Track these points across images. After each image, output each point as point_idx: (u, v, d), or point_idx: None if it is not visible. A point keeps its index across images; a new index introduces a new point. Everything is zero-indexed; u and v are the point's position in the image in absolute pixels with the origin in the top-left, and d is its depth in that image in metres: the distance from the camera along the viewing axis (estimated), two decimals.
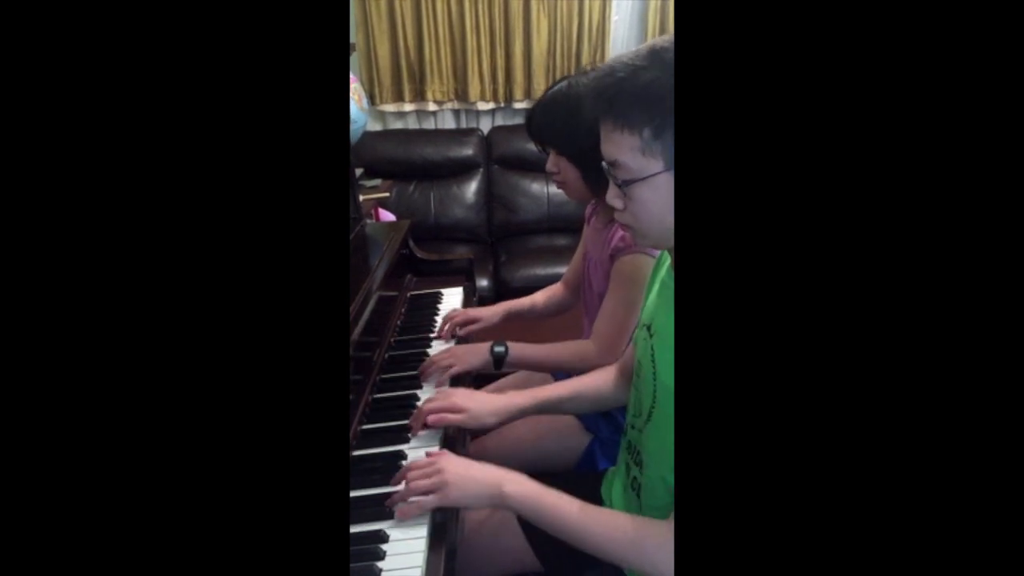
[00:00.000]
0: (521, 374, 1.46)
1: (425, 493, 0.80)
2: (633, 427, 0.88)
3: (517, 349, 1.17)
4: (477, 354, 1.16)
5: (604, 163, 0.75)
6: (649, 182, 0.70)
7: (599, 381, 1.04)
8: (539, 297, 1.49)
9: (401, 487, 0.83)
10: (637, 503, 0.87)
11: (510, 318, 1.41)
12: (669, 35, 0.70)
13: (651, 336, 0.82)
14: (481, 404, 0.98)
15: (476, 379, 1.23)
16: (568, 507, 0.77)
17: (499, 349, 1.16)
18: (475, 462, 0.83)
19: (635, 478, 0.87)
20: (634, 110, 0.68)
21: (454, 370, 1.13)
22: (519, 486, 0.79)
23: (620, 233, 1.11)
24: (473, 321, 1.33)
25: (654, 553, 0.71)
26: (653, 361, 0.80)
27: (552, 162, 1.18)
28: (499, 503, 0.79)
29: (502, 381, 1.48)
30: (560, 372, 1.29)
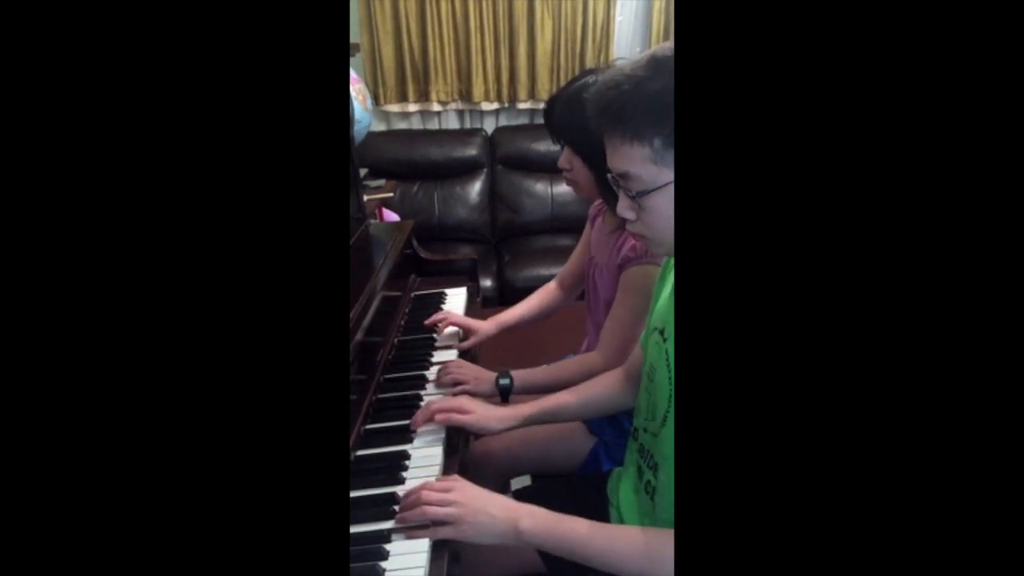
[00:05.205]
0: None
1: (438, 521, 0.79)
2: (646, 431, 0.88)
3: (522, 377, 1.17)
4: (487, 383, 1.16)
5: (612, 176, 0.74)
6: (662, 191, 0.70)
7: (605, 386, 1.04)
8: (530, 303, 1.47)
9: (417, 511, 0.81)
10: (651, 506, 0.86)
11: (504, 330, 1.39)
12: (668, 42, 0.69)
13: (664, 340, 0.81)
14: (488, 409, 1.00)
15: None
16: (581, 530, 0.76)
17: (504, 382, 1.16)
18: (490, 493, 0.81)
19: (649, 482, 0.87)
20: (644, 121, 0.68)
21: (465, 387, 1.13)
22: (532, 520, 0.77)
23: (631, 243, 1.10)
24: (466, 328, 1.31)
25: (671, 563, 0.70)
26: (668, 365, 0.80)
27: (565, 159, 1.16)
28: (514, 540, 0.78)
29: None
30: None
